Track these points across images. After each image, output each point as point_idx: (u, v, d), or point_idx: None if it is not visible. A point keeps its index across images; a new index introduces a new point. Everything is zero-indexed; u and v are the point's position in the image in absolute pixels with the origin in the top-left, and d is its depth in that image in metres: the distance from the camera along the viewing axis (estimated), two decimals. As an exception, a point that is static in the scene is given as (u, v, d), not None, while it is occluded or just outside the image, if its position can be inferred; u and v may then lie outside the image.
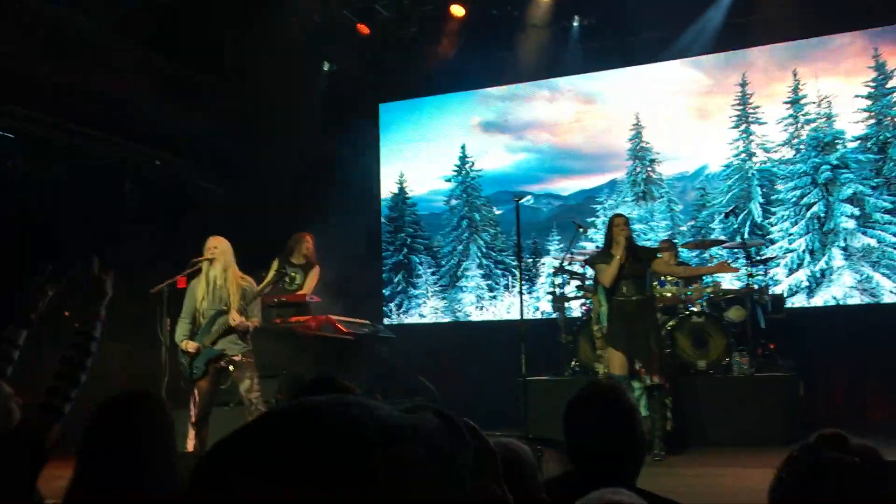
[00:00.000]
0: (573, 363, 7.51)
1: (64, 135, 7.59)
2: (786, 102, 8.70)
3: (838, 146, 8.43)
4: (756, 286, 7.24)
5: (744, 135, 8.87)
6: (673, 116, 9.17)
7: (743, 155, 8.86)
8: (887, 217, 8.13)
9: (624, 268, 5.95)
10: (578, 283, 7.86)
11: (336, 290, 7.50)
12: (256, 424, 0.69)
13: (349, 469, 0.62)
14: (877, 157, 8.28)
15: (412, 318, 10.14)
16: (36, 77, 6.96)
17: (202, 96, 8.36)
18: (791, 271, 8.46)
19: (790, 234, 8.53)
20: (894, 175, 8.17)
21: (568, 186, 9.69)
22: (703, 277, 7.46)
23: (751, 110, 8.85)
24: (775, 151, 8.74)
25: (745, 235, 8.26)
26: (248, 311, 5.55)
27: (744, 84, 8.87)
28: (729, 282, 8.10)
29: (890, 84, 8.27)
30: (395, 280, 10.30)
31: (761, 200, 8.73)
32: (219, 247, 5.59)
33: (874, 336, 7.87)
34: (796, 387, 6.59)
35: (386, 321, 9.83)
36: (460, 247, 10.07)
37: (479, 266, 9.94)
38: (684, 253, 8.12)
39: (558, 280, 7.90)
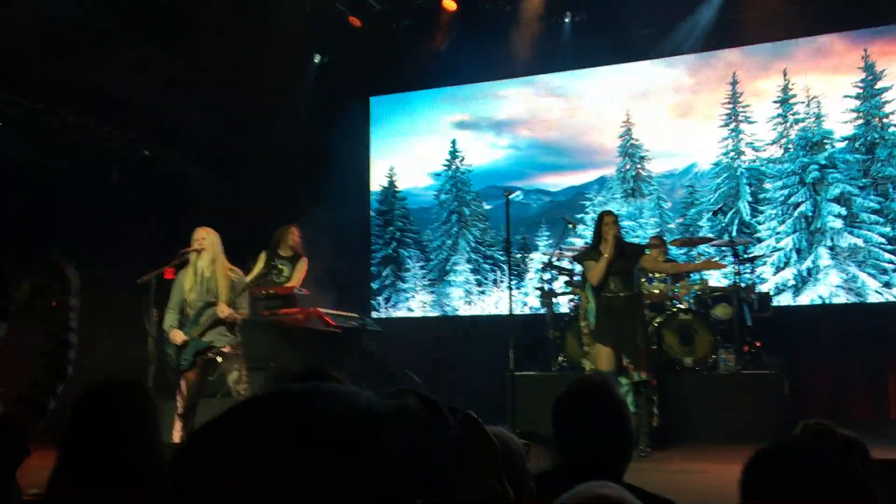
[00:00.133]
0: (560, 359, 7.53)
1: (52, 122, 7.53)
2: (775, 102, 8.74)
3: (826, 146, 8.48)
4: (743, 284, 7.28)
5: (733, 133, 8.91)
6: (663, 114, 9.19)
7: (732, 153, 8.90)
8: (874, 217, 8.18)
9: (612, 265, 5.96)
10: (566, 278, 7.88)
11: (324, 283, 7.48)
12: (230, 414, 0.69)
13: (321, 454, 0.63)
14: (864, 158, 8.33)
15: (400, 312, 10.14)
16: (32, 68, 6.92)
17: (193, 88, 8.31)
18: (778, 270, 8.51)
19: (777, 233, 8.58)
20: (881, 175, 8.23)
21: (557, 182, 9.70)
22: (691, 274, 7.49)
23: (740, 109, 8.89)
24: (764, 150, 8.78)
25: (733, 233, 8.30)
26: (237, 303, 5.53)
27: (734, 83, 8.90)
28: (716, 279, 8.13)
29: (879, 85, 8.31)
30: (384, 274, 10.29)
31: (749, 199, 8.77)
32: (207, 238, 5.57)
33: (859, 335, 7.94)
34: (782, 384, 6.63)
35: (374, 315, 9.83)
36: (449, 241, 10.07)
37: (468, 261, 9.94)
38: (672, 250, 8.14)
39: (546, 276, 7.92)
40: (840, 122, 8.44)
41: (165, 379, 5.56)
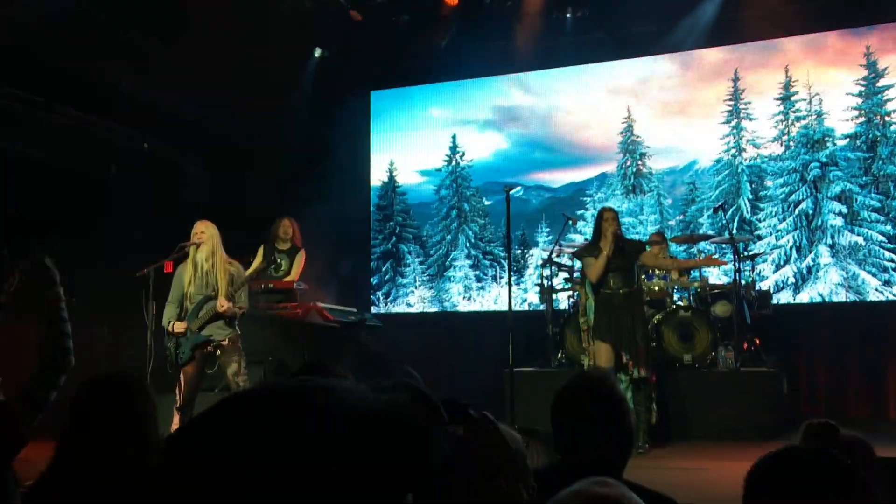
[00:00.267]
0: (559, 355, 7.53)
1: (50, 117, 7.52)
2: (776, 99, 8.73)
3: (828, 144, 8.46)
4: (743, 282, 7.27)
5: (734, 130, 8.90)
6: (664, 111, 9.18)
7: (733, 150, 8.88)
8: (874, 215, 8.18)
9: (611, 261, 5.95)
10: (566, 275, 7.87)
11: (324, 278, 7.48)
12: (221, 407, 0.69)
13: (311, 448, 0.63)
14: (866, 156, 8.31)
15: (399, 308, 10.14)
16: (30, 62, 6.92)
17: (192, 82, 8.29)
18: (778, 267, 8.50)
19: (778, 231, 8.57)
20: (882, 174, 8.21)
21: (558, 178, 9.69)
22: (691, 271, 7.48)
23: (742, 106, 8.87)
24: (765, 148, 8.77)
25: (734, 231, 8.29)
26: (236, 296, 5.53)
27: (735, 80, 8.89)
28: (716, 277, 8.13)
29: (880, 83, 8.30)
30: (384, 269, 10.29)
31: (750, 196, 8.76)
32: (206, 231, 5.56)
33: (859, 333, 7.94)
34: (780, 382, 6.63)
35: (373, 310, 9.82)
36: (449, 237, 10.07)
37: (468, 256, 9.93)
38: (673, 247, 8.14)
39: (546, 272, 7.91)
40: (841, 120, 8.43)
41: (164, 373, 5.56)
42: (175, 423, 5.50)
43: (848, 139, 8.40)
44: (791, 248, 8.47)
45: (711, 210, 8.58)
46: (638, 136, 9.29)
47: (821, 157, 8.46)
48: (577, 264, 7.15)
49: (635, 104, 9.29)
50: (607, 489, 1.07)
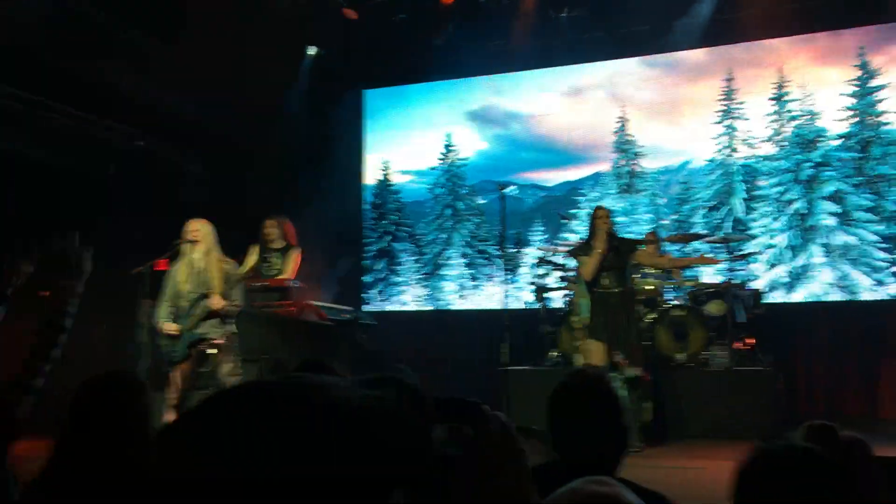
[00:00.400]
0: (554, 353, 7.54)
1: (47, 115, 7.51)
2: (770, 99, 8.75)
3: (821, 143, 8.49)
4: (736, 281, 7.29)
5: (728, 130, 8.92)
6: (658, 110, 9.20)
7: (727, 150, 8.91)
8: (867, 215, 8.21)
9: (605, 260, 5.96)
10: (561, 274, 7.88)
11: (318, 276, 7.47)
12: (210, 403, 0.69)
13: (297, 445, 0.63)
14: (859, 156, 8.35)
15: (394, 306, 10.13)
16: (27, 60, 6.91)
17: (188, 81, 8.29)
18: (771, 267, 8.53)
19: (771, 230, 8.60)
20: (875, 174, 8.25)
21: (552, 177, 9.70)
22: (685, 270, 7.50)
23: (735, 106, 8.90)
24: (759, 147, 8.80)
25: (727, 230, 8.32)
26: (231, 294, 5.53)
27: (729, 79, 8.91)
28: (710, 276, 8.15)
29: (873, 83, 8.33)
30: (378, 267, 10.28)
31: (744, 196, 8.78)
32: (201, 229, 5.56)
33: (852, 333, 7.97)
34: (774, 381, 6.65)
35: (367, 308, 9.82)
36: (443, 235, 10.07)
37: (462, 255, 9.94)
38: (667, 246, 8.16)
39: (541, 270, 7.92)
40: (835, 120, 8.46)
41: (158, 371, 5.55)
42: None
43: (841, 139, 8.43)
44: (784, 248, 8.50)
45: (705, 209, 8.60)
46: (632, 136, 9.31)
47: (814, 156, 8.49)
48: (572, 263, 7.16)
49: (629, 103, 9.31)
50: (604, 488, 1.08)
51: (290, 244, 7.08)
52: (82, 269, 2.60)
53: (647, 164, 9.24)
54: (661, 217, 9.11)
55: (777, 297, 8.40)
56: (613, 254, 5.96)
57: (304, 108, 9.72)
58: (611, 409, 2.04)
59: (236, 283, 5.59)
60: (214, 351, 5.53)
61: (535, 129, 9.78)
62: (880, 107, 8.30)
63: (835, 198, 8.35)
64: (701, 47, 8.93)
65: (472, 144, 10.05)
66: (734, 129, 8.89)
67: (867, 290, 8.12)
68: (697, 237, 7.98)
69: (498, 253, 9.11)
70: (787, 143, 8.65)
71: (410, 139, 10.29)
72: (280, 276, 6.96)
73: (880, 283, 8.07)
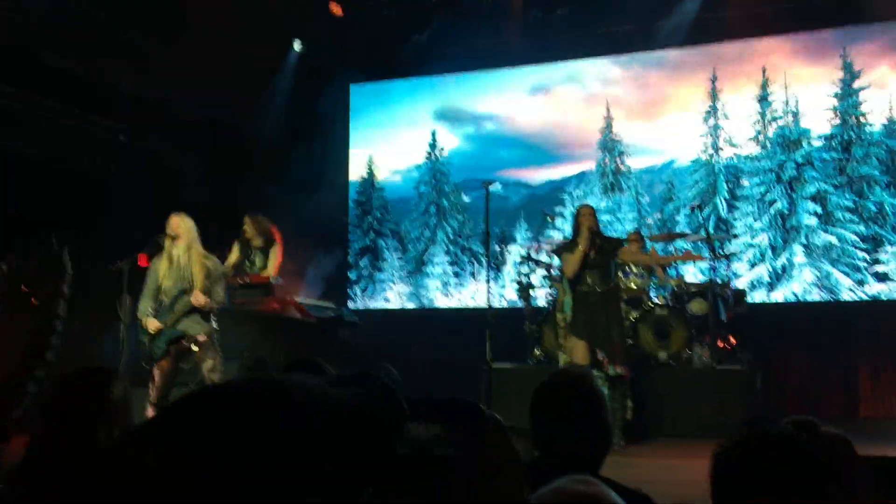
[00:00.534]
0: (537, 352, 7.55)
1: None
2: (754, 99, 8.80)
3: (804, 144, 8.55)
4: (718, 280, 7.33)
5: (712, 130, 8.96)
6: (643, 109, 9.23)
7: (710, 150, 8.95)
8: (849, 215, 8.28)
9: (588, 258, 5.96)
10: (545, 272, 7.89)
11: (301, 273, 7.44)
12: (182, 403, 0.69)
13: (268, 444, 0.63)
14: (841, 157, 8.41)
15: (377, 303, 10.12)
16: (11, 53, 6.86)
17: (173, 74, 8.24)
18: (753, 266, 8.58)
19: (753, 230, 8.65)
20: (857, 174, 8.32)
21: (537, 175, 9.71)
22: (667, 270, 7.54)
23: (719, 106, 8.94)
24: (742, 147, 8.85)
25: (710, 229, 8.36)
26: (213, 290, 5.48)
27: (714, 79, 8.95)
28: (692, 275, 8.20)
29: (856, 84, 8.40)
30: (362, 264, 10.26)
31: (726, 195, 8.83)
32: (182, 225, 5.51)
33: (831, 332, 8.04)
34: (754, 380, 6.70)
35: (351, 305, 9.80)
36: (427, 232, 10.05)
37: (446, 252, 9.93)
38: (650, 245, 8.19)
39: (525, 269, 7.93)
40: (817, 121, 8.52)
41: (138, 367, 5.50)
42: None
43: (823, 140, 8.49)
44: (766, 247, 8.55)
45: (689, 209, 8.64)
46: (617, 135, 9.34)
47: (796, 157, 8.55)
48: (556, 261, 7.17)
49: (614, 102, 9.33)
50: (586, 487, 1.07)
51: (271, 241, 7.04)
52: (65, 271, 2.57)
53: (632, 163, 9.27)
54: (645, 216, 9.15)
55: (758, 296, 8.45)
56: (597, 252, 5.97)
57: (288, 103, 9.67)
58: (594, 408, 2.04)
59: (218, 279, 5.55)
60: (195, 347, 5.48)
61: (520, 126, 9.78)
62: (863, 107, 8.37)
63: (817, 198, 8.42)
64: (686, 46, 8.96)
65: (456, 142, 10.04)
66: (718, 128, 8.94)
67: (847, 290, 8.19)
68: (680, 236, 8.01)
69: (482, 251, 9.11)
70: (770, 144, 8.71)
71: (395, 136, 10.27)
72: (263, 273, 6.93)
73: (861, 283, 8.14)
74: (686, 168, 9.03)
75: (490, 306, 6.52)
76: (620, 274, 7.07)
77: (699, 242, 7.93)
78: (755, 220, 8.66)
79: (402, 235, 10.18)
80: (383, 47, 9.75)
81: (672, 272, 7.60)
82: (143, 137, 8.50)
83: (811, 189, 8.44)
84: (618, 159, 9.32)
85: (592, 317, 5.95)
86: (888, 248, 8.12)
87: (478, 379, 6.72)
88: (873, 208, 8.21)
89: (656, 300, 7.36)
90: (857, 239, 8.21)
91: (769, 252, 8.53)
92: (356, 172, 10.39)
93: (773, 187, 8.61)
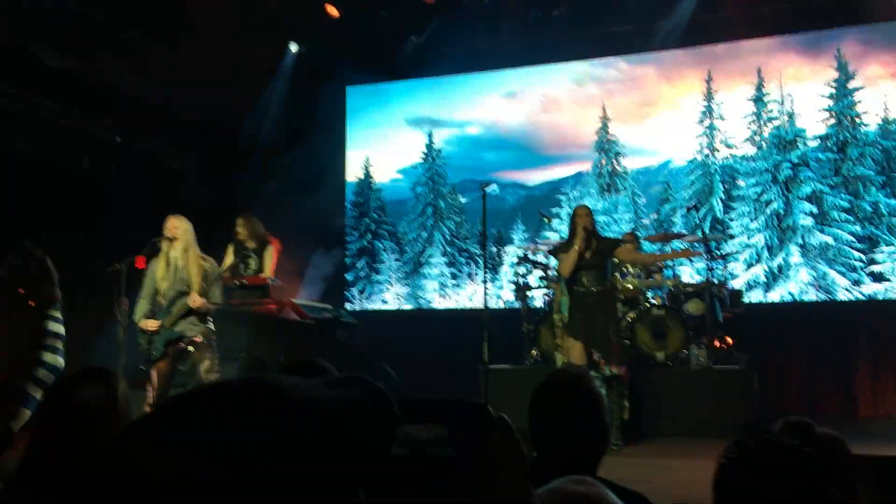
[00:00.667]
0: (534, 353, 7.56)
1: (27, 107, 7.44)
2: (749, 100, 8.82)
3: (799, 145, 8.58)
4: (715, 280, 7.35)
5: (707, 131, 8.98)
6: (639, 110, 9.24)
7: (706, 151, 8.97)
8: (844, 215, 8.30)
9: (584, 258, 5.96)
10: (541, 273, 7.90)
11: (299, 274, 7.44)
12: (173, 404, 0.69)
13: (256, 446, 0.63)
14: (836, 157, 8.44)
15: (375, 304, 10.12)
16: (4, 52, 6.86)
17: (173, 75, 8.24)
18: (749, 266, 8.60)
19: (749, 230, 8.67)
20: (853, 175, 8.34)
21: (534, 177, 9.72)
22: (664, 270, 7.55)
23: (715, 106, 8.96)
24: (738, 148, 8.87)
25: (706, 230, 8.37)
26: (210, 292, 5.48)
27: (709, 80, 8.97)
28: (689, 276, 8.21)
29: (851, 84, 8.42)
30: (359, 265, 10.26)
31: (722, 196, 8.85)
32: (179, 226, 5.50)
33: (827, 332, 8.05)
34: (751, 380, 6.71)
35: (348, 306, 9.80)
36: (424, 234, 10.06)
37: (443, 253, 9.94)
38: (646, 246, 8.21)
39: (522, 270, 7.93)
40: (813, 121, 8.55)
41: (136, 369, 5.49)
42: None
43: (819, 140, 8.52)
44: (762, 248, 8.57)
45: (685, 209, 8.66)
46: (613, 136, 9.35)
47: (792, 157, 8.57)
48: (553, 262, 7.17)
49: (611, 103, 9.35)
50: (584, 487, 1.08)
51: (265, 243, 7.01)
52: (51, 275, 2.57)
53: (628, 163, 9.29)
54: (642, 216, 9.16)
55: (755, 296, 8.47)
56: (593, 252, 5.98)
57: (285, 105, 9.67)
58: (592, 408, 2.04)
59: (215, 280, 5.54)
60: (192, 349, 5.48)
61: (517, 127, 9.79)
62: (858, 108, 8.39)
63: (812, 198, 8.44)
64: (681, 47, 8.98)
65: (453, 143, 10.05)
66: (714, 129, 8.95)
67: (844, 290, 8.21)
68: (676, 237, 8.02)
69: (479, 252, 9.12)
70: (765, 144, 8.73)
71: (392, 137, 10.27)
72: (261, 275, 6.92)
73: (857, 282, 8.16)
74: (682, 169, 9.04)
75: (487, 307, 6.52)
76: (617, 274, 7.08)
77: (695, 243, 7.94)
78: (751, 221, 8.67)
79: (399, 237, 10.18)
80: (380, 48, 9.75)
81: (668, 273, 7.61)
82: (142, 137, 8.51)
83: (807, 189, 8.46)
84: (614, 160, 9.34)
85: (589, 317, 5.95)
86: (884, 248, 8.14)
87: (474, 380, 6.72)
88: (869, 208, 8.24)
89: (653, 300, 7.37)
90: (853, 239, 8.23)
91: (765, 252, 8.55)
92: (353, 174, 10.39)
93: (769, 188, 8.63)
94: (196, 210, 5.89)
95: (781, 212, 8.53)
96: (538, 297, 8.18)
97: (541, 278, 7.91)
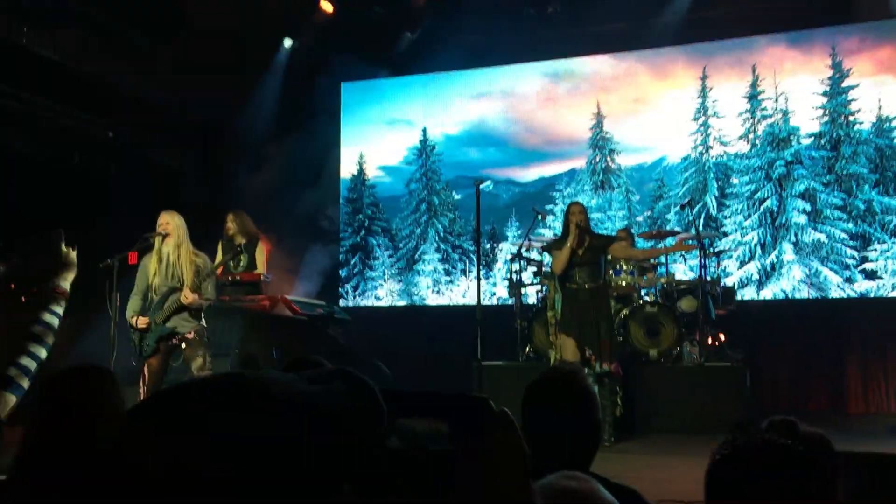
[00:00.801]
0: (528, 349, 7.56)
1: (27, 107, 7.42)
2: (744, 97, 8.83)
3: (793, 142, 8.60)
4: (708, 277, 7.36)
5: (702, 128, 8.99)
6: (633, 107, 9.24)
7: (700, 148, 8.98)
8: (837, 213, 8.32)
9: (577, 255, 5.97)
10: (535, 269, 7.91)
11: (292, 270, 7.42)
12: (159, 397, 0.69)
13: (244, 440, 0.63)
14: (829, 155, 8.46)
15: (368, 301, 10.11)
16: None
17: (173, 74, 8.24)
18: (742, 264, 8.62)
19: (742, 228, 8.69)
20: (846, 172, 8.36)
21: (528, 173, 9.72)
22: (658, 268, 7.56)
23: (710, 104, 8.97)
24: (732, 145, 8.88)
25: (700, 227, 8.39)
26: (203, 288, 5.46)
27: (704, 77, 8.98)
28: (682, 273, 8.23)
29: (845, 83, 8.44)
30: (352, 262, 10.25)
31: (716, 193, 8.87)
32: (171, 222, 5.48)
33: (820, 330, 8.08)
34: (744, 377, 6.73)
35: (342, 303, 9.79)
36: (418, 230, 10.05)
37: (437, 250, 9.93)
38: (640, 243, 8.22)
39: (515, 266, 7.94)
40: (807, 119, 8.56)
41: (128, 365, 5.47)
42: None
43: (812, 138, 8.54)
44: (755, 245, 8.59)
45: (678, 206, 8.67)
46: (607, 132, 9.36)
47: (786, 155, 8.59)
48: (547, 259, 7.17)
49: (605, 100, 9.35)
50: (577, 483, 1.07)
51: (255, 238, 6.98)
52: (71, 269, 2.55)
53: (622, 160, 9.29)
54: (635, 213, 9.17)
55: (748, 293, 8.49)
56: (587, 249, 5.98)
57: (279, 101, 9.65)
58: (584, 404, 2.04)
59: (208, 275, 5.52)
60: (184, 346, 5.46)
61: (511, 124, 9.79)
62: (852, 106, 8.41)
63: (805, 196, 8.46)
64: (676, 45, 8.98)
65: (447, 139, 10.04)
66: (708, 126, 8.96)
67: (836, 288, 8.23)
68: (669, 234, 8.04)
69: (473, 248, 9.12)
70: (759, 142, 8.75)
71: (386, 134, 10.26)
72: (255, 271, 6.90)
73: (849, 280, 8.19)
74: (676, 166, 9.05)
75: (481, 304, 6.53)
76: (611, 272, 7.09)
77: (689, 241, 7.95)
78: (745, 218, 8.69)
79: (392, 233, 10.17)
80: (374, 45, 9.73)
81: (661, 270, 7.62)
82: (143, 137, 8.49)
83: (800, 187, 8.48)
84: (608, 157, 9.34)
85: (581, 314, 5.96)
86: (877, 245, 8.17)
87: (468, 377, 6.72)
88: (862, 206, 8.26)
89: (646, 297, 7.38)
90: (846, 237, 8.26)
91: (759, 250, 8.57)
92: (347, 170, 10.37)
93: (763, 185, 8.65)
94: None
95: (775, 209, 8.55)
96: (532, 294, 8.18)
97: (534, 275, 7.91)
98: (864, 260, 8.18)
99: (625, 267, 7.36)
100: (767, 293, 8.48)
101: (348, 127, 10.41)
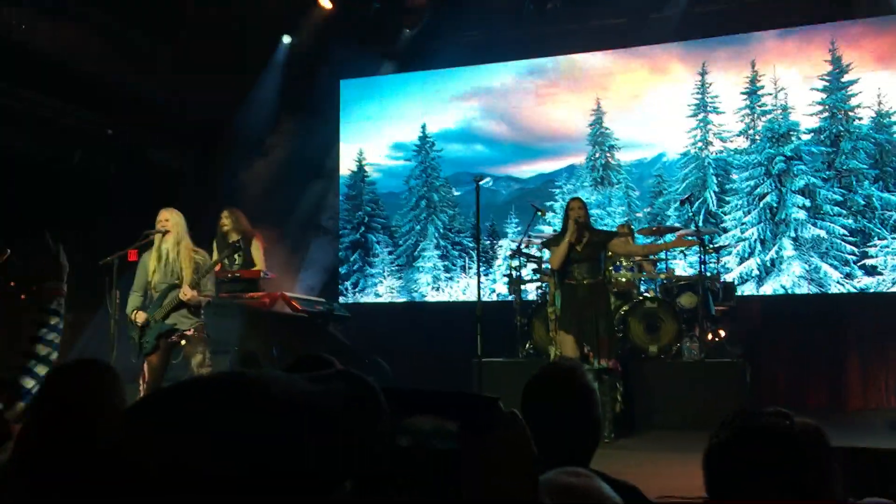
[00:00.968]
0: (527, 346, 7.56)
1: (27, 106, 7.41)
2: (743, 93, 8.83)
3: (792, 138, 8.59)
4: (708, 274, 7.36)
5: (701, 124, 8.98)
6: (632, 103, 9.23)
7: (700, 144, 8.97)
8: (837, 209, 8.32)
9: (576, 251, 5.96)
10: (535, 266, 7.90)
11: (291, 267, 7.42)
12: (158, 396, 0.69)
13: (245, 439, 0.63)
14: (829, 150, 8.45)
15: (368, 298, 10.10)
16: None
17: (173, 74, 8.23)
18: (742, 260, 8.62)
19: (742, 223, 8.69)
20: (845, 168, 8.36)
21: (527, 170, 9.71)
22: (658, 263, 7.56)
23: (709, 99, 8.96)
24: (731, 141, 8.88)
25: (700, 223, 8.38)
26: (202, 284, 5.46)
27: (703, 73, 8.97)
28: (682, 269, 8.22)
29: (845, 78, 8.43)
30: (352, 258, 10.24)
31: (716, 189, 8.86)
32: (171, 219, 5.48)
33: (820, 325, 8.08)
34: (743, 373, 6.73)
35: (341, 299, 9.78)
36: (418, 227, 10.05)
37: (437, 247, 9.93)
38: (640, 239, 8.21)
39: (515, 263, 7.93)
40: (806, 115, 8.56)
41: (128, 362, 5.47)
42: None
43: (812, 134, 8.53)
44: (755, 241, 8.59)
45: (678, 202, 8.66)
46: (607, 129, 9.35)
47: (785, 151, 8.58)
48: (546, 255, 7.17)
49: (604, 96, 9.34)
50: (577, 479, 1.07)
51: (250, 236, 6.96)
52: (63, 268, 2.56)
53: (622, 156, 9.29)
54: (635, 210, 9.17)
55: (748, 289, 8.49)
56: (586, 245, 5.97)
57: (278, 97, 9.64)
58: (584, 400, 2.04)
59: (207, 272, 5.52)
60: (184, 343, 5.46)
61: (511, 120, 9.78)
62: (851, 102, 8.40)
63: (805, 191, 8.46)
64: (676, 41, 8.97)
65: (447, 136, 10.03)
66: (708, 122, 8.96)
67: (836, 284, 8.24)
68: (669, 230, 8.03)
69: (473, 245, 9.11)
70: (759, 138, 8.74)
71: (386, 130, 10.25)
72: (254, 268, 6.90)
73: (849, 276, 8.19)
74: (676, 162, 9.05)
75: (480, 300, 6.52)
76: (611, 268, 7.08)
77: (689, 236, 7.95)
78: (745, 214, 8.69)
79: (392, 230, 10.17)
80: (374, 41, 9.71)
81: (661, 266, 7.62)
82: (142, 137, 8.48)
83: (800, 183, 8.48)
84: (608, 153, 9.34)
85: (580, 310, 5.95)
86: (876, 241, 8.17)
87: (468, 373, 6.72)
88: (861, 202, 8.26)
89: (646, 293, 7.38)
90: (846, 232, 8.26)
91: (758, 245, 8.57)
92: (346, 167, 10.37)
93: (763, 181, 8.65)
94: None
95: (774, 205, 8.55)
96: (532, 291, 8.17)
97: (534, 271, 7.91)
98: (864, 255, 8.18)
99: (625, 263, 7.35)
100: (767, 289, 8.48)
101: (347, 124, 10.40)
